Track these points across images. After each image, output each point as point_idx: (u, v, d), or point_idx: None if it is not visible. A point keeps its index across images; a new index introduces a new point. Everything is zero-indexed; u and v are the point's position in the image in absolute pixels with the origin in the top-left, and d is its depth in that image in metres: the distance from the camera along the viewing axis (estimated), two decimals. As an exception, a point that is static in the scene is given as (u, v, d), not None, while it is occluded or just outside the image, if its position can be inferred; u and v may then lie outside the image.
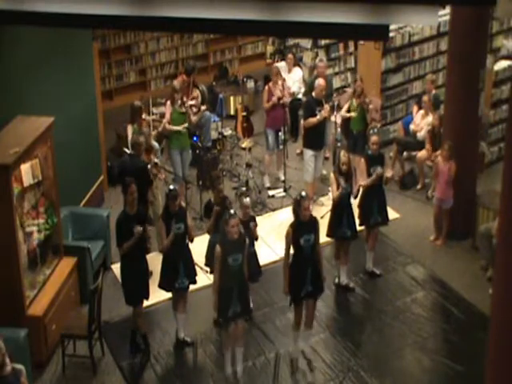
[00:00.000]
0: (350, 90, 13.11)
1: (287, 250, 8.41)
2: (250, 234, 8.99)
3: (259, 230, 9.42)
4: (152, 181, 10.10)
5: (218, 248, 8.09)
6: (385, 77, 13.33)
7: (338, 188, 9.69)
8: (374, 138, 10.07)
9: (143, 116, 11.16)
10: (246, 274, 8.35)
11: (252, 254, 9.19)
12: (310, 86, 12.20)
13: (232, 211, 8.15)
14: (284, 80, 12.80)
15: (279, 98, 12.10)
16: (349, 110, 11.91)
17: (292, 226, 8.32)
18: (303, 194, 8.37)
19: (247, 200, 9.13)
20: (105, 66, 15.05)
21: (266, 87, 12.37)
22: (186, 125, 11.40)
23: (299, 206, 8.21)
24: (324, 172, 12.31)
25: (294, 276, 8.41)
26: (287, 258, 8.43)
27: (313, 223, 8.38)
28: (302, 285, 8.38)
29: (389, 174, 10.37)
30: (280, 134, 12.47)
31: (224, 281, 8.11)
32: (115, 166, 11.62)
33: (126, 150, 10.48)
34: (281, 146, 12.50)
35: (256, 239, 9.26)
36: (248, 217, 9.15)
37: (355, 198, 10.07)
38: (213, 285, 8.40)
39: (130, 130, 10.82)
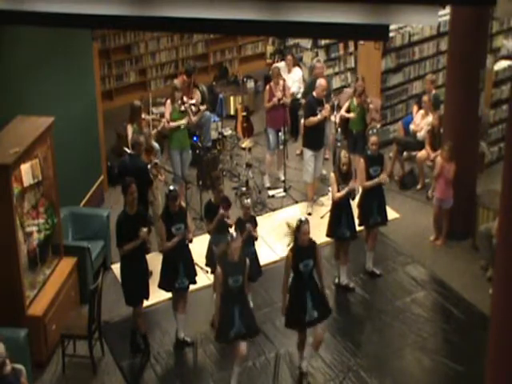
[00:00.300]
0: (349, 90, 13.10)
1: (287, 273, 8.27)
2: (249, 234, 9.02)
3: (259, 230, 9.43)
4: (152, 181, 10.10)
5: (218, 269, 8.05)
6: (385, 77, 13.33)
7: (338, 189, 9.69)
8: (373, 139, 10.07)
9: (143, 116, 11.16)
10: (247, 295, 8.30)
11: (252, 253, 9.21)
12: (308, 87, 12.20)
13: (234, 234, 8.09)
14: (284, 80, 12.80)
15: (279, 99, 12.09)
16: (349, 110, 11.91)
17: (292, 250, 8.23)
18: (303, 218, 8.26)
19: (248, 201, 9.14)
20: (105, 65, 15.04)
21: (267, 87, 12.37)
22: (184, 121, 11.37)
23: (299, 231, 8.12)
24: (324, 172, 12.31)
25: (293, 301, 8.29)
26: (286, 282, 8.28)
27: (312, 248, 8.25)
28: (303, 310, 8.23)
29: (382, 178, 10.25)
30: (280, 134, 12.47)
31: (225, 302, 8.07)
32: (115, 166, 11.62)
33: (126, 149, 10.48)
34: (281, 146, 12.51)
35: (256, 239, 9.27)
36: (248, 217, 9.17)
37: (353, 198, 10.06)
38: (215, 306, 8.33)
39: (129, 129, 10.82)
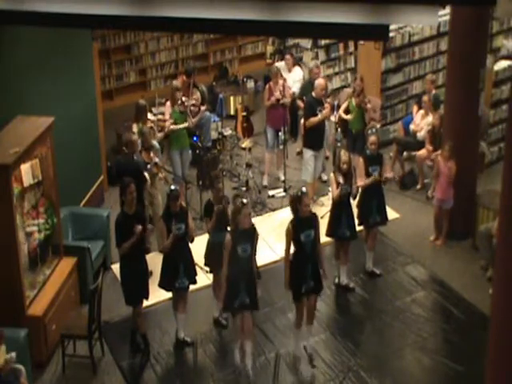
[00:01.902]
0: (349, 90, 13.10)
1: (288, 246, 8.44)
2: None
3: (259, 230, 9.40)
4: (146, 179, 10.08)
5: (227, 236, 8.09)
6: (385, 77, 13.32)
7: (337, 188, 9.69)
8: (372, 138, 10.07)
9: (149, 116, 11.17)
10: (254, 266, 8.37)
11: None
12: (304, 88, 12.18)
13: (245, 200, 8.13)
14: (285, 80, 12.80)
15: (278, 100, 12.09)
16: (348, 110, 11.91)
17: (292, 222, 8.35)
18: (303, 189, 8.42)
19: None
20: (105, 65, 15.04)
21: (267, 86, 12.39)
22: (186, 124, 11.40)
23: (300, 202, 8.24)
24: (325, 178, 12.29)
25: (294, 272, 8.44)
26: (288, 255, 8.47)
27: (313, 219, 8.43)
28: (302, 281, 8.42)
29: (389, 174, 10.34)
30: (280, 134, 12.47)
31: (232, 271, 8.11)
32: (113, 166, 11.64)
33: (126, 149, 10.49)
34: (281, 146, 12.51)
35: None
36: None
37: (354, 198, 10.06)
38: (222, 275, 8.40)
39: (135, 128, 10.82)
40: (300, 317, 8.73)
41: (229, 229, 9.09)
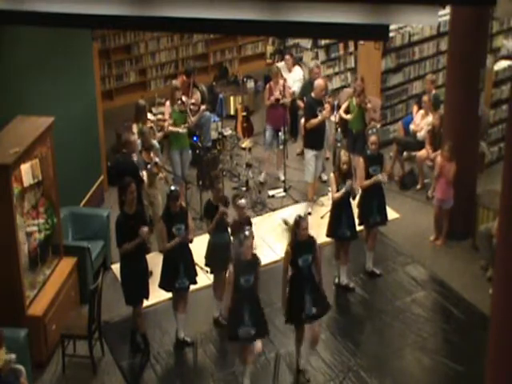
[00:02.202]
0: (349, 90, 13.10)
1: (285, 269, 8.32)
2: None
3: (260, 230, 9.42)
4: (143, 179, 10.07)
5: (230, 268, 8.07)
6: (385, 77, 13.32)
7: (337, 189, 9.69)
8: (372, 138, 10.07)
9: (149, 116, 11.17)
10: (257, 293, 8.28)
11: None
12: (306, 88, 12.17)
13: (247, 232, 8.09)
14: (285, 80, 12.79)
15: (277, 100, 12.09)
16: (348, 110, 11.90)
17: (290, 245, 8.28)
18: (301, 214, 8.41)
19: (242, 201, 9.10)
20: (105, 65, 15.04)
21: (267, 86, 12.41)
22: (185, 130, 11.41)
23: (298, 227, 8.19)
24: (325, 177, 12.29)
25: (293, 296, 8.32)
26: (285, 277, 8.33)
27: (311, 243, 8.31)
28: (301, 306, 8.27)
29: (384, 178, 10.28)
30: (280, 134, 12.47)
31: (235, 301, 8.09)
32: (112, 166, 11.65)
33: (124, 149, 10.50)
34: (281, 146, 12.51)
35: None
36: (244, 218, 9.12)
37: (354, 198, 10.06)
38: (225, 307, 8.36)
39: (135, 128, 10.83)
40: (300, 337, 8.59)
41: (229, 229, 9.14)
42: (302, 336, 8.57)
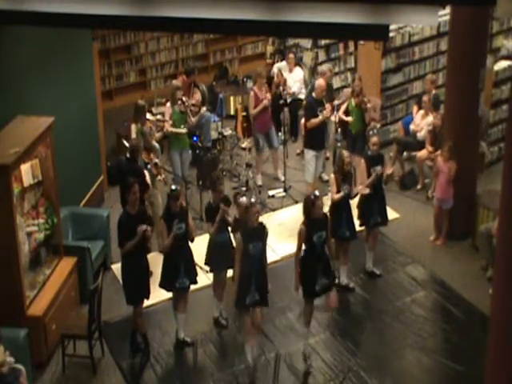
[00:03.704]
0: (348, 90, 13.10)
1: (299, 247, 8.60)
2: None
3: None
4: (148, 186, 10.07)
5: (238, 236, 8.28)
6: (385, 77, 13.32)
7: (338, 189, 9.71)
8: (374, 139, 10.08)
9: (147, 116, 11.18)
10: (265, 262, 8.52)
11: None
12: (310, 90, 12.17)
13: (253, 199, 8.37)
14: (285, 80, 12.80)
15: (266, 106, 12.03)
16: (347, 110, 11.90)
17: (304, 223, 8.53)
18: (317, 193, 8.66)
19: (243, 199, 9.11)
20: (105, 65, 15.05)
21: (252, 93, 12.20)
22: (184, 130, 11.42)
23: (313, 205, 8.46)
24: (325, 177, 12.28)
25: (306, 272, 8.58)
26: (299, 255, 8.61)
27: (324, 220, 8.67)
28: (314, 280, 8.56)
29: (389, 171, 10.36)
30: (280, 133, 12.46)
31: (244, 268, 8.28)
32: (113, 166, 11.65)
33: (126, 143, 10.49)
34: (281, 146, 12.51)
35: None
36: (244, 216, 9.13)
37: (352, 198, 10.06)
38: (234, 274, 8.54)
39: (133, 129, 10.83)
40: (309, 317, 8.83)
41: (229, 229, 9.14)
42: (311, 316, 8.83)
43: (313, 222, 8.52)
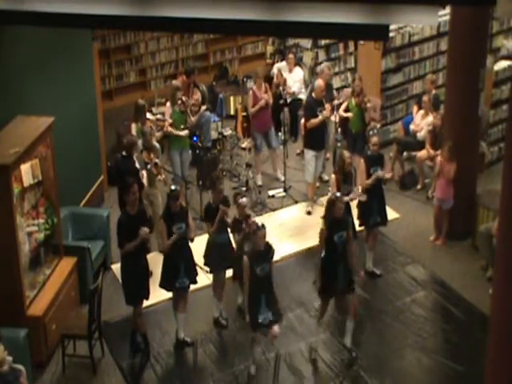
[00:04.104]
0: (348, 90, 13.09)
1: (321, 247, 8.70)
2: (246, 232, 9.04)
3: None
4: (143, 185, 10.06)
5: (245, 259, 8.29)
6: (385, 77, 13.33)
7: (338, 190, 9.71)
8: (374, 140, 10.08)
9: (148, 116, 11.18)
10: (272, 282, 8.51)
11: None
12: (311, 90, 12.17)
13: (260, 223, 8.40)
14: (285, 80, 12.78)
15: (267, 102, 12.02)
16: (347, 110, 11.90)
17: (325, 224, 8.65)
18: (338, 194, 8.82)
19: (243, 200, 9.11)
20: (105, 66, 15.05)
21: (250, 92, 12.24)
22: (185, 132, 11.42)
23: (334, 206, 8.57)
24: (326, 177, 12.28)
25: (326, 273, 8.67)
26: (321, 254, 8.70)
27: (346, 221, 8.79)
28: (334, 280, 8.64)
29: (388, 175, 10.36)
30: (280, 134, 12.44)
31: (253, 290, 8.32)
32: (112, 166, 11.66)
33: (125, 151, 10.48)
34: (280, 146, 12.51)
35: None
36: (244, 216, 9.14)
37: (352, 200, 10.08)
38: (243, 295, 8.64)
39: (133, 128, 10.84)
40: (323, 314, 8.96)
41: (229, 230, 9.15)
42: (325, 313, 8.93)
43: (333, 222, 8.60)
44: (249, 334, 8.69)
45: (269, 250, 8.45)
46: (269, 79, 13.42)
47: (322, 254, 8.68)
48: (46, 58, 10.09)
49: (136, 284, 8.77)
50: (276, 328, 8.48)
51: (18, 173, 8.31)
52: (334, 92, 12.73)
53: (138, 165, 10.10)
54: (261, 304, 8.31)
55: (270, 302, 8.38)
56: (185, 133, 11.42)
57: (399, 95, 13.65)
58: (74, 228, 10.27)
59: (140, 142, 10.49)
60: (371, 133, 10.39)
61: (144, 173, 10.23)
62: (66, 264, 9.42)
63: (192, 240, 8.97)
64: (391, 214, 11.02)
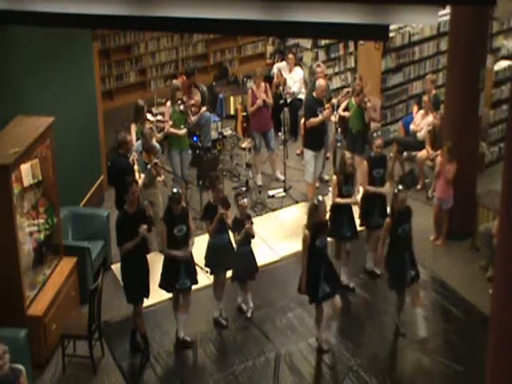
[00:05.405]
0: (348, 90, 13.10)
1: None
2: (246, 232, 9.04)
3: (260, 230, 9.41)
4: (137, 181, 10.07)
5: (305, 232, 8.55)
6: (385, 77, 13.33)
7: (339, 191, 9.72)
8: (378, 142, 10.10)
9: (148, 116, 11.17)
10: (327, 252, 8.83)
11: (249, 252, 9.24)
12: (311, 89, 12.17)
13: (320, 198, 8.71)
14: (285, 80, 12.77)
15: (264, 101, 12.02)
16: (347, 110, 11.89)
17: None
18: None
19: (245, 200, 9.14)
20: (105, 66, 15.06)
21: (250, 91, 12.27)
22: (184, 131, 11.42)
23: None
24: (326, 177, 12.28)
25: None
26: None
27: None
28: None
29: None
30: (280, 134, 12.43)
31: (313, 263, 8.56)
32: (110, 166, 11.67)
33: (119, 149, 10.49)
34: (280, 147, 12.50)
35: (252, 237, 9.26)
36: (244, 216, 9.17)
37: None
38: (302, 269, 8.72)
39: (133, 128, 10.84)
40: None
41: (229, 230, 9.15)
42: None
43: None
44: (250, 333, 8.70)
45: (326, 222, 8.82)
46: (268, 79, 13.42)
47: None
48: (46, 58, 10.08)
49: (136, 282, 8.77)
50: (337, 299, 8.75)
51: (17, 173, 8.30)
52: (331, 92, 12.75)
53: (136, 165, 10.11)
54: (320, 277, 8.53)
55: (328, 275, 8.61)
56: (184, 131, 11.41)
57: (399, 95, 13.65)
58: (74, 228, 10.27)
59: (140, 143, 10.50)
60: (375, 135, 10.42)
61: (141, 174, 10.21)
62: (66, 264, 9.41)
63: (192, 244, 8.96)
64: (391, 214, 11.00)
